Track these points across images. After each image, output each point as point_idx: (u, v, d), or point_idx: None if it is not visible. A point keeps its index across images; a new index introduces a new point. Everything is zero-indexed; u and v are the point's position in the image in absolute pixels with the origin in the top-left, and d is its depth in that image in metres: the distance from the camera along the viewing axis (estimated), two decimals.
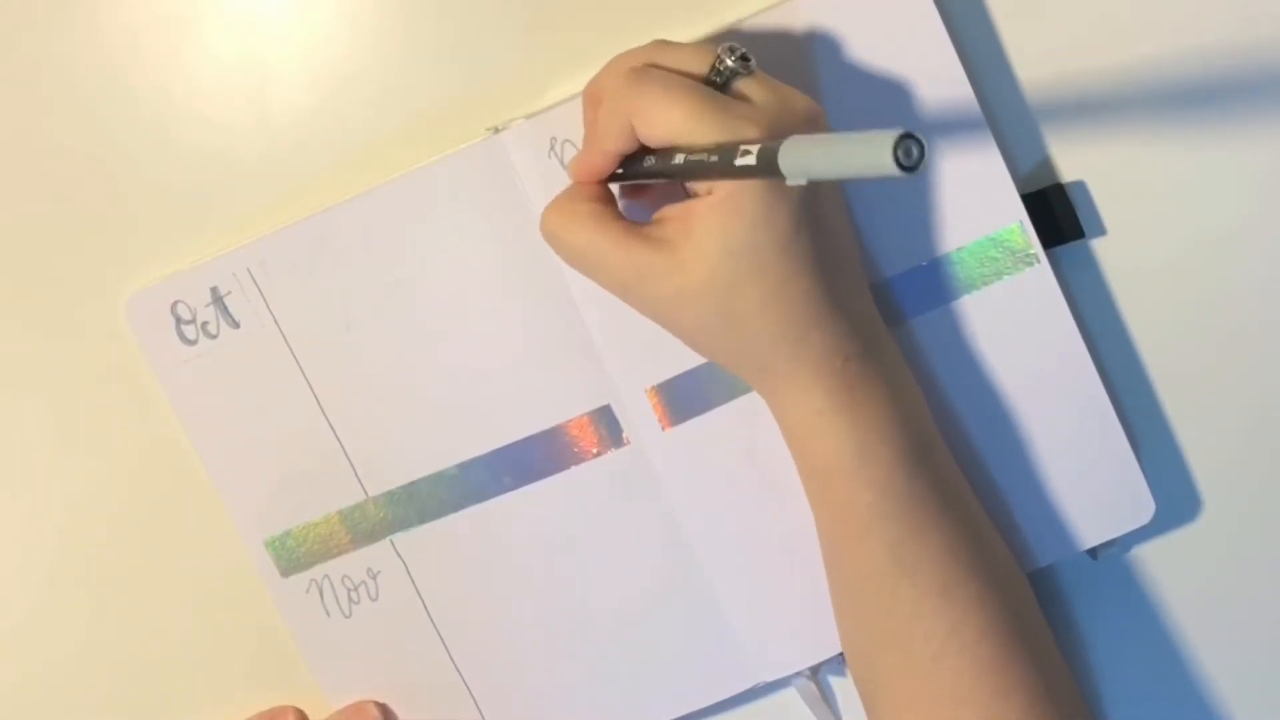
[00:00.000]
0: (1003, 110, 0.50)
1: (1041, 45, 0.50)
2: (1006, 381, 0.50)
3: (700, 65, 0.44)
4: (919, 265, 0.49)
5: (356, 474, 0.51)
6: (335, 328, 0.50)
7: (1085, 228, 0.50)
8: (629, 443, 0.50)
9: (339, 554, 0.51)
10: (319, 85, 0.51)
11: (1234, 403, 0.51)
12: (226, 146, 0.51)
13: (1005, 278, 0.49)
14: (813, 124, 0.44)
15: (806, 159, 0.36)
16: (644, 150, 0.44)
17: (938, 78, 0.48)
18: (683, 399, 0.50)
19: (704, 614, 0.51)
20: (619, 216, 0.46)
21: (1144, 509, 0.50)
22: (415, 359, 0.50)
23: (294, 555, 0.51)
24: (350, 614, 0.52)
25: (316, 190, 0.51)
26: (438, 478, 0.51)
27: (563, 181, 0.49)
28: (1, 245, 0.52)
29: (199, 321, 0.50)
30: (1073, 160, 0.50)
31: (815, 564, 0.49)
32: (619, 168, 0.46)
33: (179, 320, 0.50)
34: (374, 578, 0.52)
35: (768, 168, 0.38)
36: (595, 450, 0.50)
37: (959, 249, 0.49)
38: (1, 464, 0.52)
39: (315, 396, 0.51)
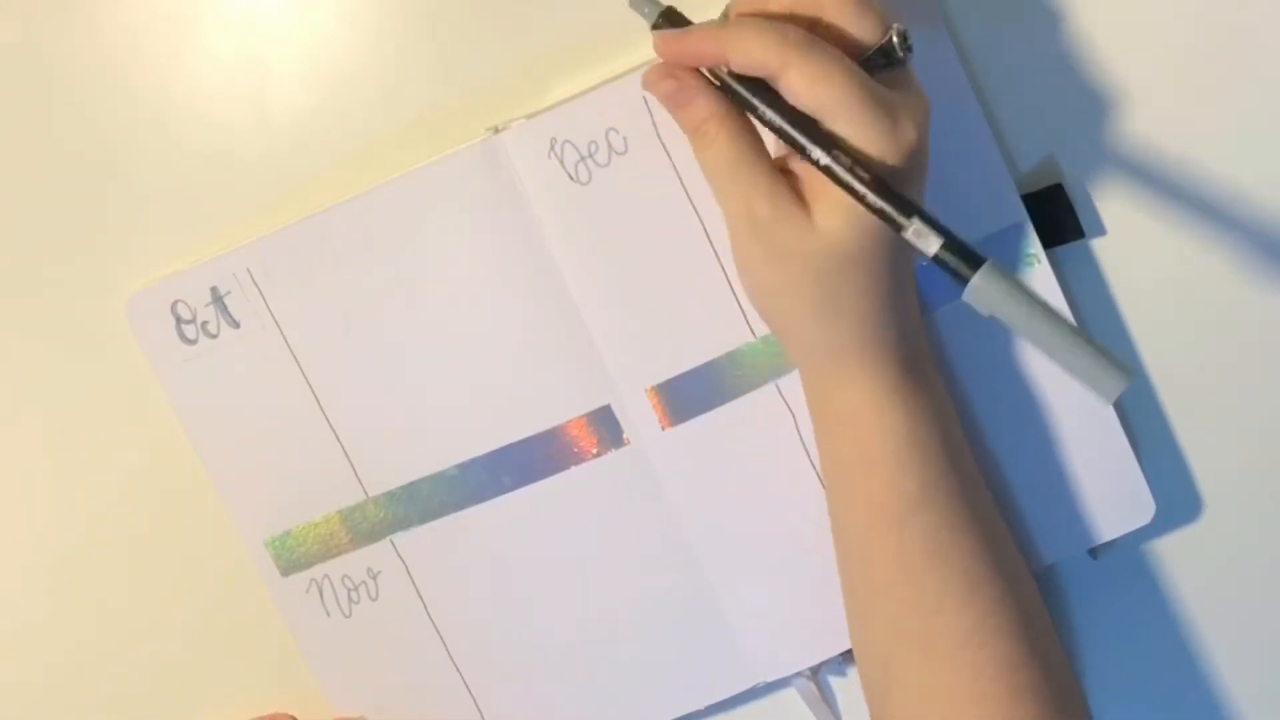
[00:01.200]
0: (1003, 110, 0.50)
1: (1042, 45, 0.50)
2: (1007, 381, 0.50)
3: (873, 35, 0.42)
4: (919, 265, 0.49)
5: (356, 474, 0.51)
6: (335, 328, 0.50)
7: (1085, 228, 0.50)
8: (629, 443, 0.50)
9: (339, 554, 0.51)
10: (319, 85, 0.51)
11: (1234, 403, 0.51)
12: (227, 146, 0.51)
13: None
14: (929, 125, 0.43)
15: (1004, 304, 0.38)
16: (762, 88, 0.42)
17: (938, 77, 0.48)
18: (682, 399, 0.50)
19: (704, 614, 0.51)
20: (765, 146, 0.44)
21: (1144, 509, 0.50)
22: (415, 359, 0.50)
23: (294, 555, 0.51)
24: (350, 614, 0.52)
25: (316, 190, 0.51)
26: (437, 478, 0.51)
27: (564, 182, 0.48)
28: (2, 245, 0.52)
29: (199, 321, 0.50)
30: (1073, 161, 0.50)
31: (815, 564, 0.49)
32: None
33: (179, 320, 0.50)
34: (374, 578, 0.52)
35: (954, 274, 0.39)
36: (595, 451, 0.50)
37: None
38: (2, 464, 0.52)
39: (315, 396, 0.51)
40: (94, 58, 0.51)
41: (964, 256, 0.39)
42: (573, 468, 0.50)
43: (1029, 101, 0.50)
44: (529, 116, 0.49)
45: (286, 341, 0.50)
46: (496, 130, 0.49)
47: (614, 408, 0.50)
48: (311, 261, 0.50)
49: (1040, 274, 0.49)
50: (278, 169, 0.51)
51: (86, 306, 0.51)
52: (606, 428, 0.50)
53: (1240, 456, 0.51)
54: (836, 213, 0.42)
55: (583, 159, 0.49)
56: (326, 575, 0.52)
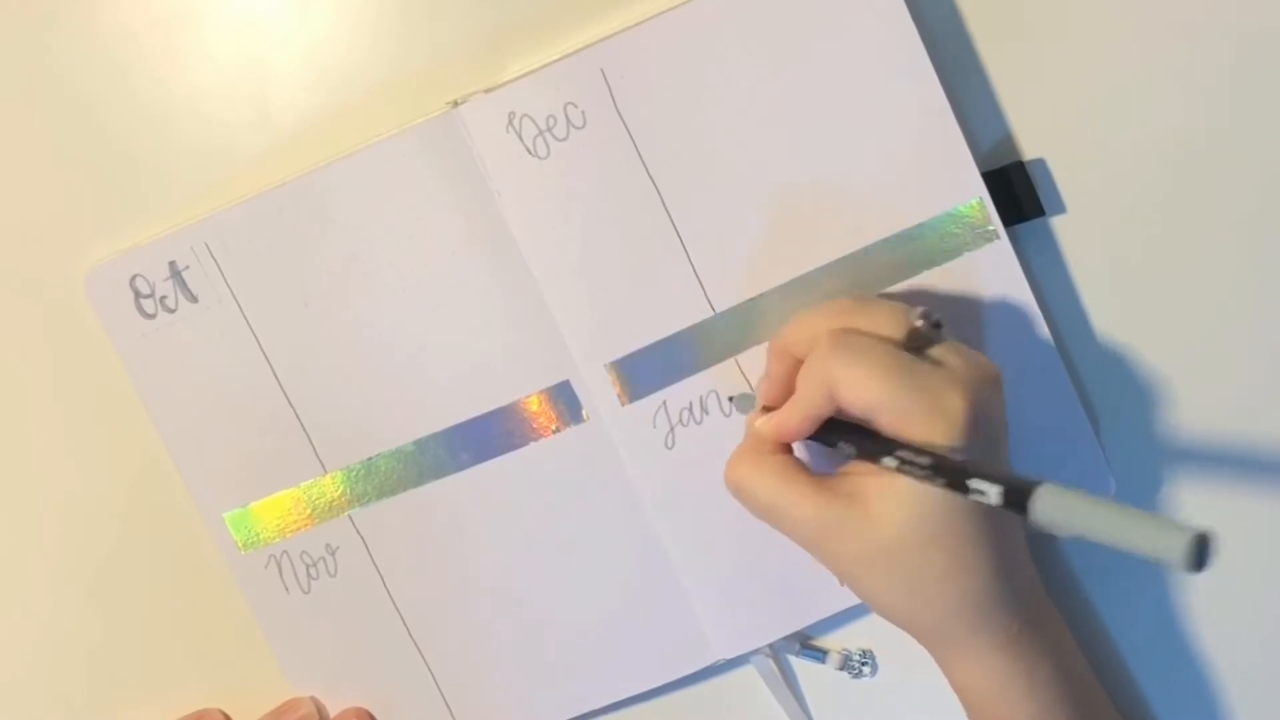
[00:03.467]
0: (964, 87, 0.50)
1: (1003, 23, 0.50)
2: None
3: (897, 329, 0.44)
4: (881, 240, 0.49)
5: (315, 449, 0.51)
6: (293, 303, 0.50)
7: (1045, 206, 0.50)
8: (588, 419, 0.50)
9: (298, 530, 0.51)
10: (319, 85, 0.51)
11: (1193, 380, 0.51)
12: (227, 145, 0.51)
13: (965, 253, 0.49)
14: (997, 387, 0.44)
15: (1070, 517, 0.37)
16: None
17: (899, 53, 0.48)
18: (642, 375, 0.50)
19: (664, 591, 0.51)
20: (804, 469, 0.46)
21: (1103, 486, 0.50)
22: (373, 334, 0.50)
23: (253, 531, 0.51)
24: (309, 590, 0.52)
25: (272, 164, 0.50)
26: (396, 454, 0.51)
27: (522, 156, 0.48)
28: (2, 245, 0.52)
29: (158, 296, 0.50)
30: (1034, 138, 0.50)
31: (775, 541, 0.48)
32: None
33: (138, 294, 0.50)
34: (333, 554, 0.51)
35: (1014, 506, 0.39)
36: (554, 427, 0.50)
37: (919, 224, 0.49)
38: None
39: (273, 372, 0.50)
40: (94, 58, 0.51)
41: (1024, 492, 0.39)
42: (531, 444, 0.50)
43: (990, 78, 0.50)
44: (488, 90, 0.49)
45: (245, 316, 0.50)
46: (455, 104, 0.49)
47: (573, 383, 0.50)
48: (269, 236, 0.50)
49: (1000, 250, 0.49)
50: (279, 168, 0.50)
51: (75, 288, 0.51)
52: (566, 403, 0.50)
53: (1198, 433, 0.51)
54: (895, 499, 0.43)
55: (541, 133, 0.49)
56: (285, 551, 0.51)
